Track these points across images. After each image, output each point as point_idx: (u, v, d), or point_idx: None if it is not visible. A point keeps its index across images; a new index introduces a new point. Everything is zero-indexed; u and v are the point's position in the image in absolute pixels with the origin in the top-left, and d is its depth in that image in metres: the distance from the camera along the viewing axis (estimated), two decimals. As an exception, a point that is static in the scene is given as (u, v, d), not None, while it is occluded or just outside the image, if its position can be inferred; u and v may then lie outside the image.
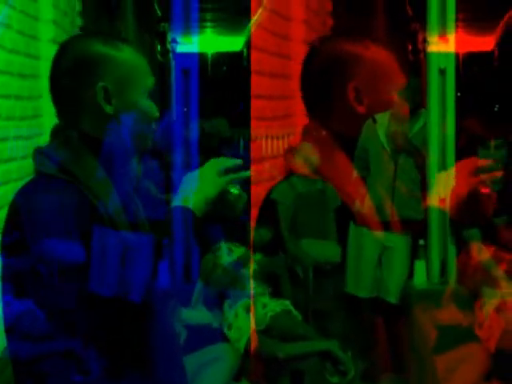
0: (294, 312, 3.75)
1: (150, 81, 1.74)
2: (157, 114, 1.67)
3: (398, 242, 4.77)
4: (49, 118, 3.97)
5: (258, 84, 5.68)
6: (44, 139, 3.71)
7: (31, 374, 1.42)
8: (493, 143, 4.09)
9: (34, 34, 4.31)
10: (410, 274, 4.53)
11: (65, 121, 1.68)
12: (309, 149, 4.72)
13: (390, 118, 4.69)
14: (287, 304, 3.76)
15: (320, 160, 4.80)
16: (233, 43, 8.97)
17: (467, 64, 8.96)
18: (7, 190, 3.79)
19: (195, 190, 1.73)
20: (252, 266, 3.79)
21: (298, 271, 4.18)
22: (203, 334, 3.54)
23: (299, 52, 6.58)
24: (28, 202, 1.52)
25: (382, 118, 4.74)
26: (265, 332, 3.57)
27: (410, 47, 8.18)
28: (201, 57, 10.39)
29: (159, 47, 8.27)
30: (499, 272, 3.72)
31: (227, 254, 3.87)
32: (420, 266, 4.43)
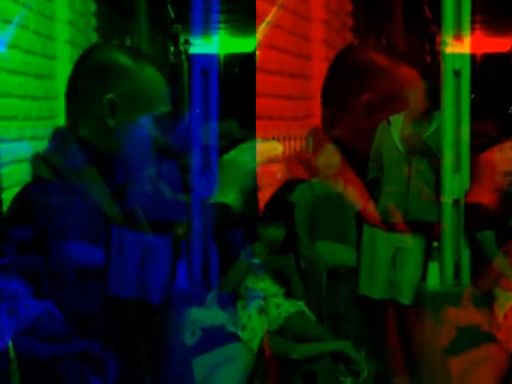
0: (308, 313, 3.74)
1: (163, 108, 1.60)
2: (160, 144, 1.59)
3: (412, 244, 4.78)
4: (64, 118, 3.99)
5: (277, 84, 5.67)
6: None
7: (48, 374, 1.43)
8: (508, 144, 4.08)
9: (50, 35, 4.32)
10: (424, 276, 4.54)
11: (68, 124, 1.64)
12: (332, 151, 4.72)
13: (405, 120, 4.69)
14: (301, 305, 3.76)
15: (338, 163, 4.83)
16: (245, 44, 8.97)
17: (484, 65, 8.92)
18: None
19: (229, 182, 1.69)
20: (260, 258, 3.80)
21: (311, 274, 4.19)
22: (217, 334, 3.56)
23: (319, 52, 6.58)
24: (31, 204, 1.50)
25: (397, 120, 4.74)
26: (278, 333, 3.58)
27: (428, 49, 8.19)
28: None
29: (172, 48, 8.29)
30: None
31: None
32: (433, 267, 4.42)
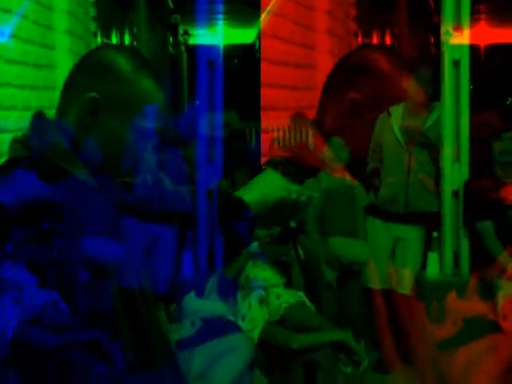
0: (308, 303, 3.75)
1: (148, 124, 1.52)
2: (134, 159, 1.53)
3: (412, 234, 4.79)
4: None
5: (282, 74, 5.63)
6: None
7: (53, 363, 1.42)
8: (508, 135, 4.08)
9: (49, 24, 4.31)
10: (423, 266, 4.55)
11: (56, 115, 1.59)
12: (340, 143, 4.71)
13: (405, 111, 4.69)
14: (301, 295, 3.76)
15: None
16: (245, 35, 8.96)
17: (489, 55, 8.91)
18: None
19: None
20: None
21: (310, 264, 4.19)
22: (217, 324, 3.55)
23: (323, 42, 6.56)
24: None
25: (397, 111, 4.73)
26: (279, 323, 3.58)
27: (432, 40, 8.20)
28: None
29: (171, 39, 8.27)
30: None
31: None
32: (433, 257, 4.44)
